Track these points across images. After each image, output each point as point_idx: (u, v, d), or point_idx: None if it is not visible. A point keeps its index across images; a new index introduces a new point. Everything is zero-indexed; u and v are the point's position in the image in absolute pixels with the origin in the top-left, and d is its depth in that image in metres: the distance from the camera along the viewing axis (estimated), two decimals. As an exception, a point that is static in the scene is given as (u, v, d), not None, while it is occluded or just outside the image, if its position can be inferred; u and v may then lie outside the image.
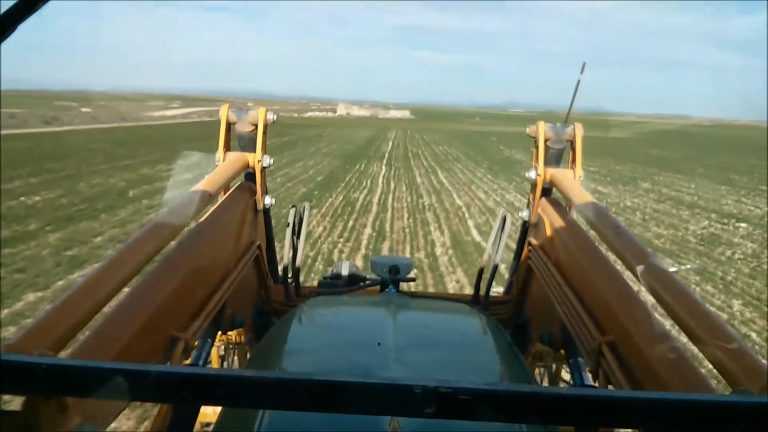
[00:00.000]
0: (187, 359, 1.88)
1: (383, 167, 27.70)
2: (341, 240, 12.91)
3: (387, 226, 14.63)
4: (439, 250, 12.37)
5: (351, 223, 14.74)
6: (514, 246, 3.40)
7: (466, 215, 16.47)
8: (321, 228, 13.88)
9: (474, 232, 14.17)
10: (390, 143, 44.02)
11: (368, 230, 14.09)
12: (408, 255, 11.54)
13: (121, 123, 55.08)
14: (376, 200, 18.37)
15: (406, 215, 16.12)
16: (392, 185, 21.86)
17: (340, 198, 18.41)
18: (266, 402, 0.83)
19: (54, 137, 35.11)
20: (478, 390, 0.71)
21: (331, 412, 0.75)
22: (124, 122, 56.78)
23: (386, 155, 34.10)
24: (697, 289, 10.43)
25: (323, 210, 16.18)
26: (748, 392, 1.09)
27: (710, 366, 1.29)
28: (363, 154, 33.78)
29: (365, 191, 20.10)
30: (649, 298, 1.71)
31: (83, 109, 72.76)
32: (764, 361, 1.21)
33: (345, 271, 3.38)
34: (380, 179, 23.46)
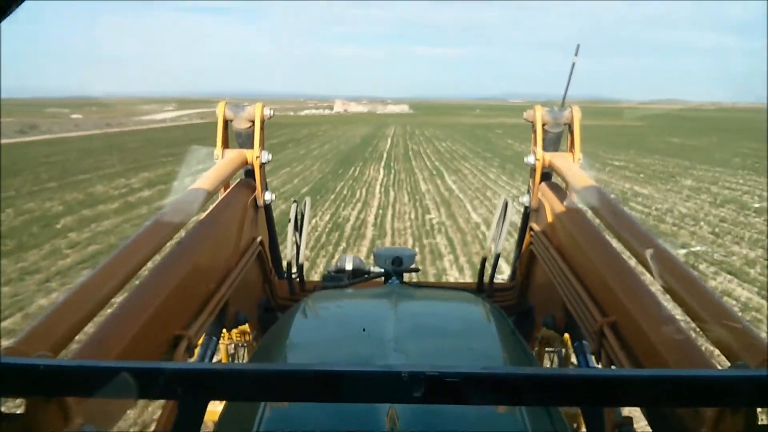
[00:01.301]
0: (191, 357, 1.76)
1: (381, 171, 23.82)
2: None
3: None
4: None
5: (336, 258, 10.87)
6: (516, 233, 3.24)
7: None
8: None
9: (503, 266, 10.27)
10: (388, 141, 40.02)
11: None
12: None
13: (104, 129, 52.05)
14: (371, 219, 14.49)
15: (410, 241, 12.25)
16: (392, 195, 18.00)
17: (327, 217, 14.50)
18: (253, 394, 0.82)
19: (20, 148, 31.80)
20: (466, 373, 0.71)
21: (322, 401, 0.76)
22: (108, 128, 53.84)
23: (384, 155, 30.20)
24: None
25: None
26: (746, 367, 1.05)
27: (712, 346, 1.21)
28: (358, 155, 29.90)
29: (359, 205, 16.23)
30: (648, 278, 1.67)
31: (73, 116, 70.96)
32: (763, 336, 1.19)
33: (349, 265, 3.28)
34: (377, 188, 19.60)
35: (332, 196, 17.34)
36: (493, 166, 25.36)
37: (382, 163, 26.38)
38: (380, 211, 15.41)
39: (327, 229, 13.13)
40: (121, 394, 0.74)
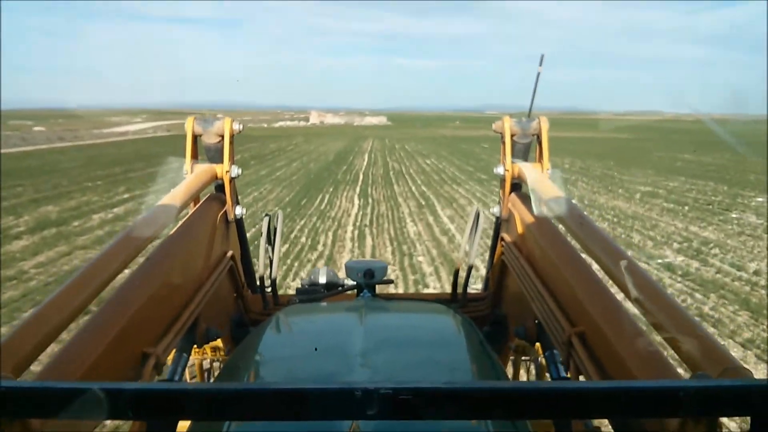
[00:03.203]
0: (159, 375, 1.71)
1: (356, 200, 18.39)
2: None
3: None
4: None
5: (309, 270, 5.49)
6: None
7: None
8: None
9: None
10: (366, 158, 34.51)
11: None
12: None
13: (54, 143, 46.21)
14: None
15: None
16: (368, 245, 12.60)
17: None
18: (214, 414, 0.79)
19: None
20: (421, 389, 0.70)
21: (281, 420, 0.75)
22: (61, 142, 47.99)
23: (361, 177, 24.76)
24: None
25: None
26: (706, 377, 1.04)
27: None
28: (329, 177, 24.44)
29: (320, 263, 10.80)
30: (615, 289, 1.64)
31: (36, 128, 66.03)
32: (724, 345, 1.23)
33: (322, 278, 3.26)
34: (349, 229, 14.17)
35: (286, 246, 11.84)
36: (494, 193, 20.02)
37: (357, 189, 20.92)
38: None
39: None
40: (85, 416, 0.74)
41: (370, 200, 18.48)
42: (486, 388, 0.76)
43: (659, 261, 11.02)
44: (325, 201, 18.14)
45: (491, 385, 0.82)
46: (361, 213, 16.14)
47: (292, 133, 65.84)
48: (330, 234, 13.42)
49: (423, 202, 18.06)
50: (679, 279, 9.80)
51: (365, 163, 30.88)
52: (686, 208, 17.18)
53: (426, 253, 11.70)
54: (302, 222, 14.66)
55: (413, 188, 21.49)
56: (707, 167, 28.97)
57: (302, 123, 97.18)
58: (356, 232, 13.76)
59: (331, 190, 20.61)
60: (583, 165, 29.45)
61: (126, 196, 18.57)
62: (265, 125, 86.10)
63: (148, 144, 43.18)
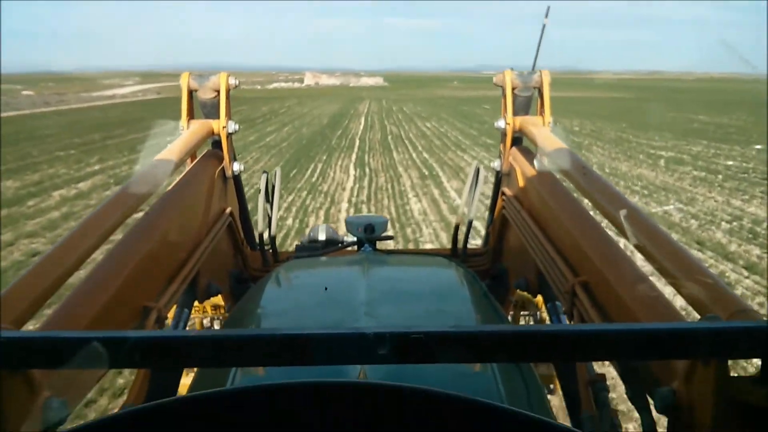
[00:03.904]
0: (162, 329, 1.68)
1: (351, 171, 16.47)
2: None
3: None
4: None
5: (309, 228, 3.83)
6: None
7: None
8: None
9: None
10: (362, 121, 32.34)
11: None
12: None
13: (40, 108, 43.92)
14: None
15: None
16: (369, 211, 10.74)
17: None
18: (220, 360, 0.78)
19: None
20: (431, 332, 0.70)
21: (290, 365, 0.74)
22: (46, 107, 45.75)
23: (357, 143, 22.74)
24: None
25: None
26: (717, 319, 1.01)
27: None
28: (323, 143, 22.43)
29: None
30: (619, 238, 1.66)
31: (24, 92, 64.24)
32: (732, 290, 1.17)
33: (322, 235, 3.18)
34: (344, 205, 12.30)
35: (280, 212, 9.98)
36: (503, 161, 18.09)
37: (353, 157, 18.95)
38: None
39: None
40: (86, 365, 0.72)
41: (367, 170, 16.54)
42: (497, 332, 0.74)
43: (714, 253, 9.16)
44: (318, 171, 16.19)
45: (503, 328, 0.80)
46: (357, 186, 14.22)
47: (285, 95, 63.23)
48: (321, 214, 11.54)
49: (426, 172, 16.12)
50: (745, 273, 7.95)
51: (362, 127, 28.76)
52: (720, 177, 15.26)
53: (435, 238, 9.84)
54: (290, 198, 12.76)
55: (414, 155, 19.51)
56: (727, 129, 26.90)
57: (297, 84, 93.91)
58: (352, 210, 11.88)
59: (324, 158, 18.65)
60: (593, 127, 27.36)
61: (96, 167, 16.58)
62: (259, 87, 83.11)
63: (134, 108, 40.99)
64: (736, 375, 0.91)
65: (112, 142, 21.97)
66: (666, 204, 12.28)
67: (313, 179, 15.00)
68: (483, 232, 3.61)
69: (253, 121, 30.62)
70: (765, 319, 1.00)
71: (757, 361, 0.76)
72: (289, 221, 10.86)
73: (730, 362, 0.93)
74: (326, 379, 0.71)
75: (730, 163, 17.57)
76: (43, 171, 16.18)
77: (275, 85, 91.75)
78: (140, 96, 62.05)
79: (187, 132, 2.50)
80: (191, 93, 2.60)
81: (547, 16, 3.03)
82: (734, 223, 10.58)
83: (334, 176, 15.57)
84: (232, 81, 2.64)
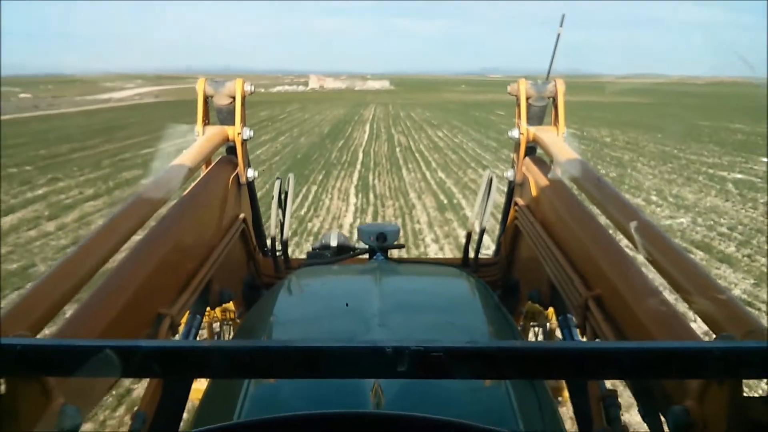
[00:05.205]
0: (175, 336, 1.69)
1: (352, 197, 13.20)
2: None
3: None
4: None
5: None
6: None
7: None
8: None
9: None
10: (367, 129, 29.07)
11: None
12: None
13: (24, 113, 41.00)
14: None
15: None
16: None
17: None
18: (233, 371, 0.78)
19: None
20: (450, 348, 0.69)
21: (307, 378, 0.74)
22: (34, 111, 42.94)
23: (360, 157, 19.48)
24: None
25: None
26: (732, 338, 1.00)
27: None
28: (321, 158, 19.17)
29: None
30: (633, 252, 1.59)
31: (22, 95, 62.10)
32: (747, 307, 1.14)
33: (333, 242, 3.17)
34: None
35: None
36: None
37: (355, 177, 15.63)
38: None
39: None
40: (100, 373, 0.71)
41: (371, 196, 13.26)
42: (517, 348, 0.74)
43: None
44: (310, 198, 12.91)
45: (521, 345, 0.78)
46: (357, 223, 10.94)
47: (288, 98, 59.99)
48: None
49: (444, 200, 12.83)
50: None
51: (366, 137, 25.48)
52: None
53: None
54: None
55: (428, 175, 16.20)
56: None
57: (301, 88, 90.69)
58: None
59: (320, 178, 15.37)
60: (627, 138, 24.04)
61: (40, 192, 13.33)
62: (262, 90, 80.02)
63: (127, 112, 38.10)
64: (748, 395, 0.88)
65: (78, 156, 18.88)
66: (772, 254, 8.96)
67: (302, 211, 11.69)
68: (494, 241, 3.47)
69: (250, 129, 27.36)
70: None
71: None
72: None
73: (744, 381, 0.91)
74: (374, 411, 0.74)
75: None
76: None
77: (278, 88, 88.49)
78: (137, 99, 59.21)
79: (202, 138, 2.48)
80: (207, 99, 2.59)
81: (561, 24, 3.00)
82: None
83: (330, 206, 12.29)
84: (248, 87, 2.62)
